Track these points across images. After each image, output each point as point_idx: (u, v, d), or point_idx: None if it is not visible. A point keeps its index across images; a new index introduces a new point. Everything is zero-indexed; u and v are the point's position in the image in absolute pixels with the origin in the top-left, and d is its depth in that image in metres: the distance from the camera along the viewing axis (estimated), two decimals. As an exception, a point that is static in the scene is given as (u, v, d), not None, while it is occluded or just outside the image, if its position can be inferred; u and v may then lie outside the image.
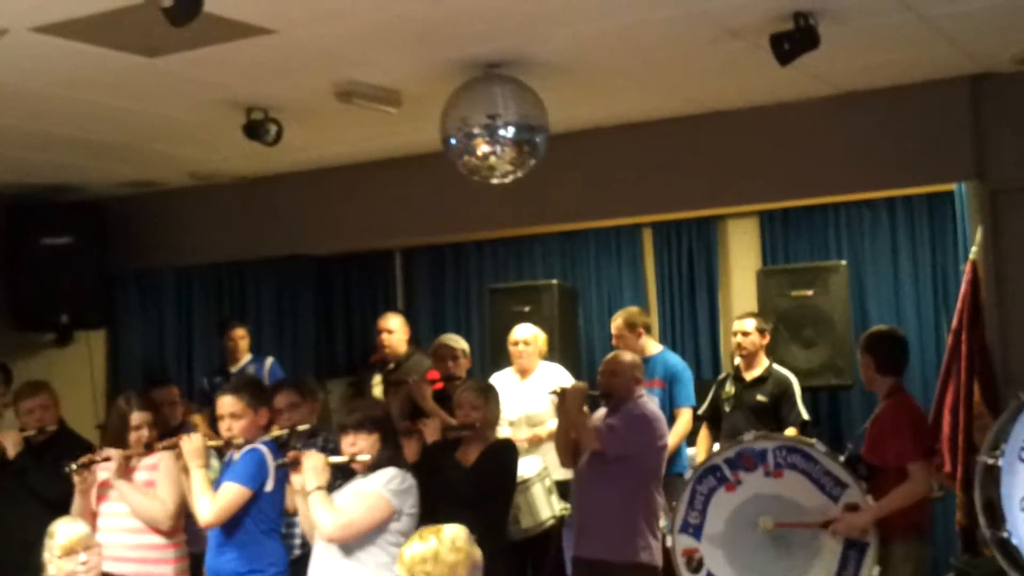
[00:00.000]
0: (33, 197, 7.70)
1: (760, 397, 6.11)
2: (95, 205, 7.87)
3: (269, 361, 7.57)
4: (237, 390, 4.68)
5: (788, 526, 4.78)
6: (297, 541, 5.08)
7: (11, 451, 5.23)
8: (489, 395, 5.19)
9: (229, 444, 4.59)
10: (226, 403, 4.60)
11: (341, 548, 4.22)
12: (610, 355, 5.47)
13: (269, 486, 4.56)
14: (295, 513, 5.03)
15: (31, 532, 4.30)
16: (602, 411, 5.34)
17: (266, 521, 4.56)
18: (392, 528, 4.23)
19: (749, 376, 6.21)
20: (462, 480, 4.93)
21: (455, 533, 3.26)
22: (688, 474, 4.91)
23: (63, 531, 4.18)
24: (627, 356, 5.42)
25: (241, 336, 7.57)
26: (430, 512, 4.36)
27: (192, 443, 4.52)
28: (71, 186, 7.61)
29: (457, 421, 5.14)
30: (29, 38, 4.47)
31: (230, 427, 4.57)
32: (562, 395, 5.30)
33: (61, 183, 7.50)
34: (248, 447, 4.57)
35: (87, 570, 4.15)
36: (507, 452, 5.18)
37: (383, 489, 4.24)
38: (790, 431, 5.88)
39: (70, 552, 4.12)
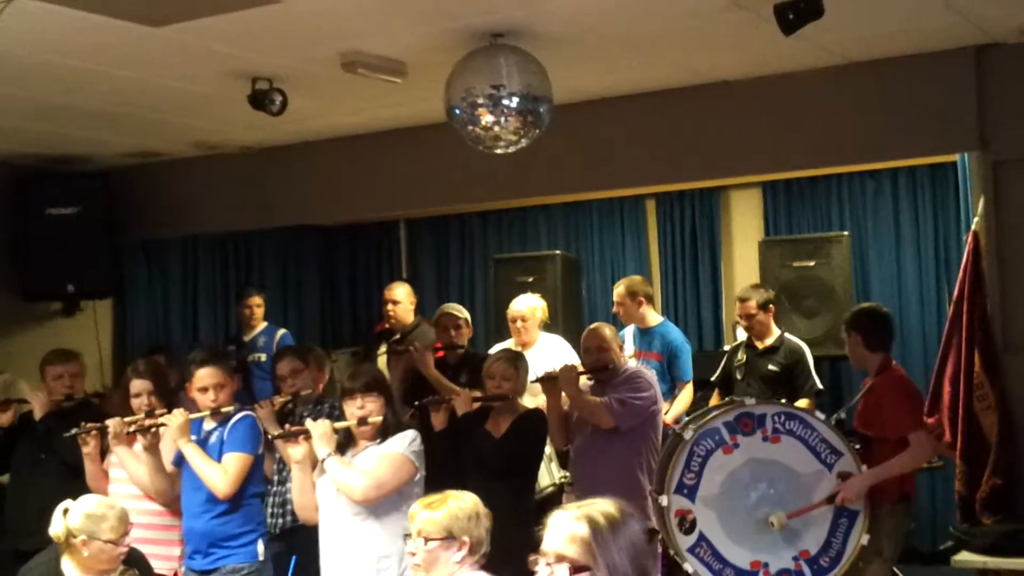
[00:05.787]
0: (39, 168, 7.72)
1: (771, 366, 6.15)
2: (101, 175, 7.89)
3: (280, 332, 7.63)
4: (215, 360, 4.73)
5: (797, 515, 4.82)
6: (290, 508, 5.12)
7: (38, 412, 5.30)
8: (520, 365, 5.20)
9: (217, 413, 4.61)
10: (210, 374, 4.63)
11: (367, 516, 4.15)
12: (590, 331, 5.43)
13: (260, 448, 4.68)
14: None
15: (50, 495, 4.28)
16: (586, 384, 5.32)
17: (256, 483, 4.66)
18: (414, 492, 4.20)
19: (761, 345, 6.23)
20: (493, 450, 4.94)
21: (469, 495, 3.38)
22: (688, 435, 4.91)
23: (122, 514, 3.98)
24: (606, 327, 5.42)
25: (258, 304, 7.64)
26: (459, 481, 4.31)
27: (176, 419, 4.54)
28: (77, 157, 7.63)
29: (489, 391, 5.13)
30: (34, 7, 4.47)
31: (216, 397, 4.61)
32: (553, 379, 5.25)
33: (67, 154, 7.53)
34: (241, 414, 4.62)
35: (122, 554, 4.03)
36: (537, 422, 5.16)
37: (407, 451, 4.20)
38: (803, 401, 5.93)
39: (121, 537, 3.96)
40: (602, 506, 2.49)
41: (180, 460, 4.68)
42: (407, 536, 3.38)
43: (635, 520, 2.47)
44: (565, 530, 2.44)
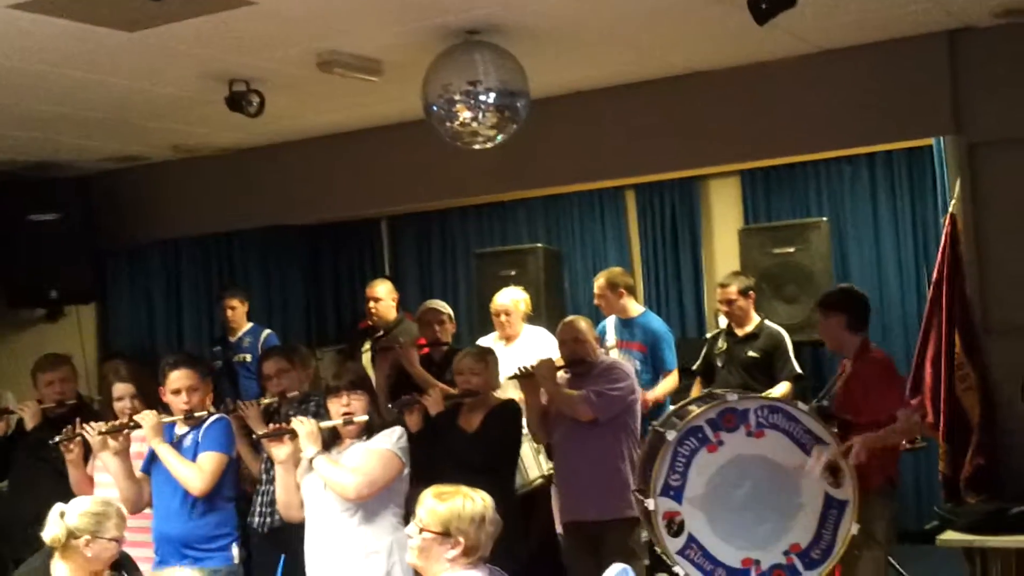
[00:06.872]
0: (20, 174, 7.70)
1: (752, 353, 6.18)
2: (82, 181, 7.88)
3: (265, 333, 7.62)
4: (189, 363, 4.67)
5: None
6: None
7: (29, 422, 5.27)
8: (488, 359, 5.20)
9: (190, 416, 4.57)
10: (184, 376, 4.58)
11: (355, 512, 4.17)
12: (565, 324, 5.45)
13: (235, 452, 4.68)
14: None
15: (44, 504, 4.25)
16: (563, 377, 5.33)
17: (231, 487, 4.65)
18: (401, 488, 4.24)
19: (741, 332, 6.27)
20: (467, 446, 4.94)
21: (484, 496, 3.34)
22: (671, 436, 4.88)
23: (121, 511, 3.94)
24: (581, 320, 5.46)
25: (233, 306, 7.61)
26: (435, 481, 4.36)
27: (149, 420, 4.51)
28: (57, 162, 7.61)
29: (459, 388, 5.14)
30: (9, 15, 4.47)
31: (189, 400, 4.56)
32: (530, 376, 5.26)
33: (47, 160, 7.51)
34: (216, 416, 4.61)
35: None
36: (511, 413, 5.17)
37: (394, 447, 4.23)
38: (784, 386, 5.97)
39: (122, 534, 3.91)
40: None
41: (149, 466, 4.63)
42: (412, 517, 3.37)
43: None
44: None
